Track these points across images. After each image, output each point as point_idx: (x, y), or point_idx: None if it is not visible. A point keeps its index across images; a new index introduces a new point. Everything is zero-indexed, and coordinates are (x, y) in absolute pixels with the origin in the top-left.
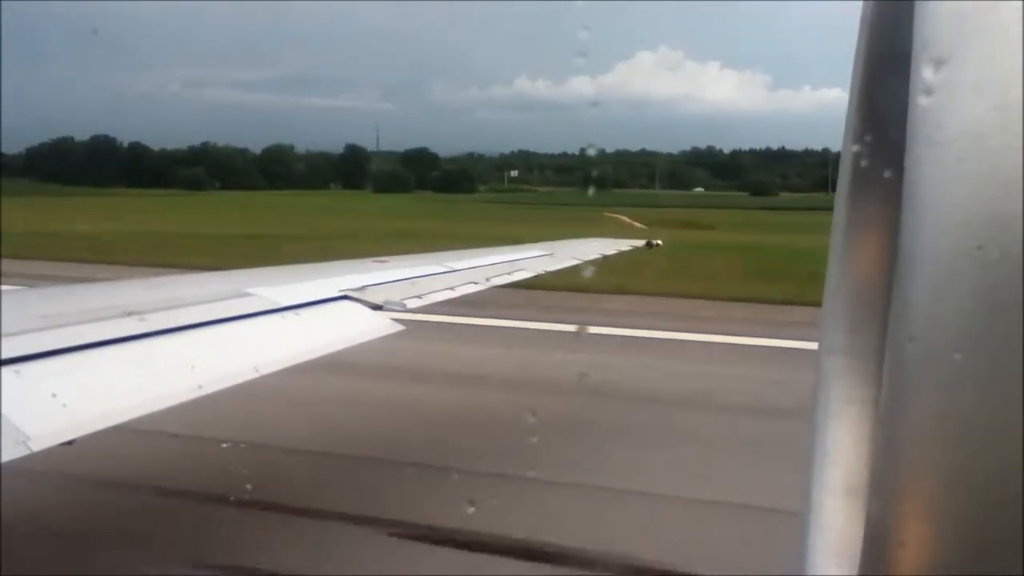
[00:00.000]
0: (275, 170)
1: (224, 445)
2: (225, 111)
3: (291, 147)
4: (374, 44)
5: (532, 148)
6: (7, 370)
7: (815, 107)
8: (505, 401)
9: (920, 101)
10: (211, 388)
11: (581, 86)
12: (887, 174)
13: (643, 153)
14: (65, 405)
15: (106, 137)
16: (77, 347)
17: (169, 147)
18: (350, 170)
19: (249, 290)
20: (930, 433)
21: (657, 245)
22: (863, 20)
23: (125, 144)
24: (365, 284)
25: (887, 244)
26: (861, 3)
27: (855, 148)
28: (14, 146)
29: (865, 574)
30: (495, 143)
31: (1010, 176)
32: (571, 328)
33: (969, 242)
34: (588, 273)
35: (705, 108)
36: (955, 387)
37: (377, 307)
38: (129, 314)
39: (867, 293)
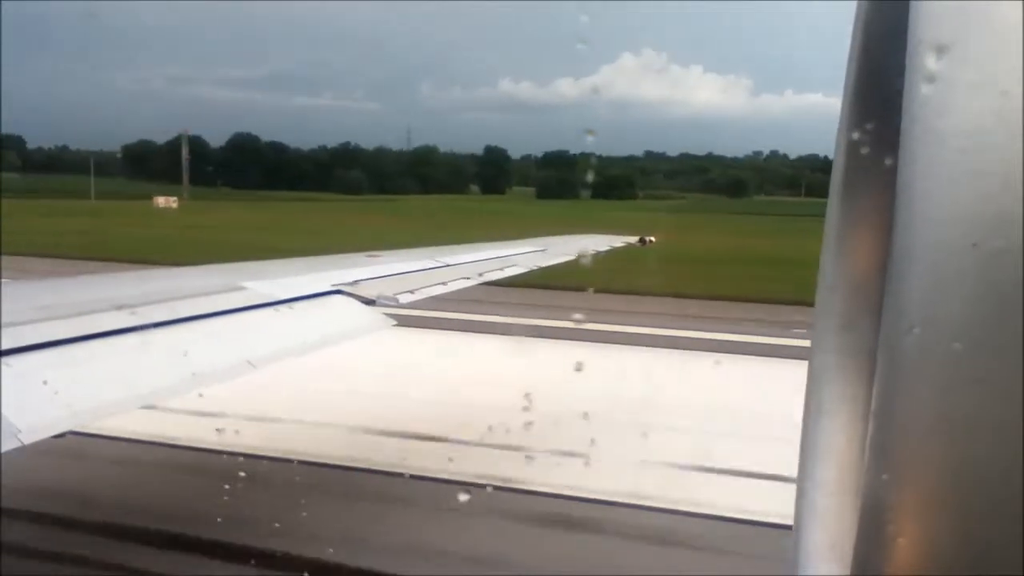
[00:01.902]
0: (423, 172)
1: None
2: (210, 108)
3: (436, 148)
4: (359, 44)
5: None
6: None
7: (796, 111)
8: None
9: (919, 91)
10: (203, 382)
11: (566, 87)
12: (884, 165)
13: (711, 157)
14: (56, 398)
15: (248, 135)
16: (69, 340)
17: (304, 148)
18: (489, 173)
19: (242, 284)
20: (923, 430)
21: (650, 242)
22: (859, 5)
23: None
24: (358, 279)
25: (881, 241)
26: (844, 4)
27: (852, 139)
28: (106, 143)
29: (859, 570)
30: (479, 142)
31: (1007, 174)
32: None
33: (964, 239)
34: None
35: (690, 111)
36: (949, 384)
37: (370, 302)
38: (120, 308)
39: (860, 291)
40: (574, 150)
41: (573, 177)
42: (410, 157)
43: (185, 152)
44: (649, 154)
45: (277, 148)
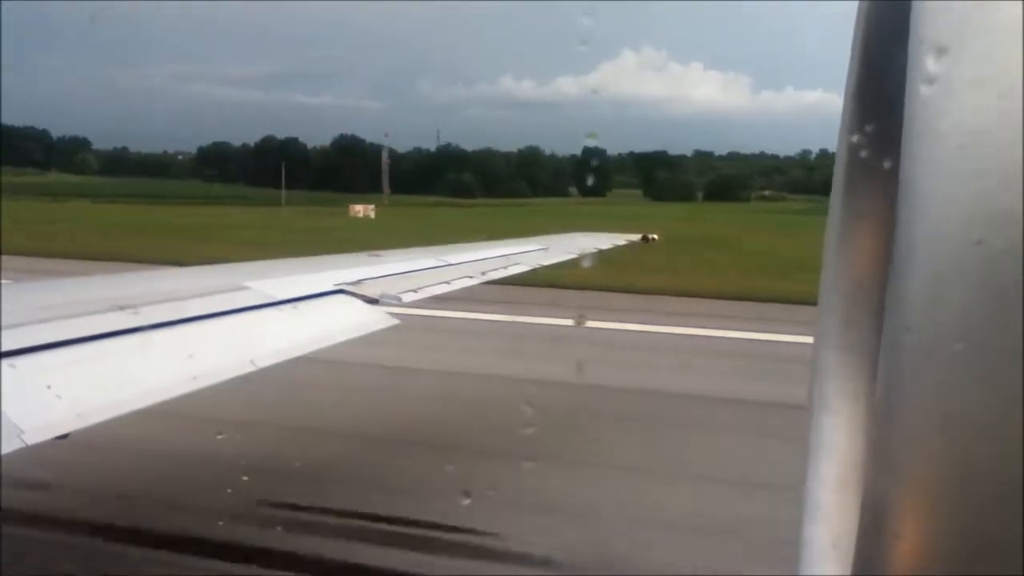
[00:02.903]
0: (530, 173)
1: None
2: (213, 107)
3: (539, 148)
4: (358, 41)
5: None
6: (2, 363)
7: (798, 108)
8: None
9: (920, 90)
10: (206, 381)
11: (567, 85)
12: (886, 164)
13: (763, 156)
14: (59, 398)
15: (353, 137)
16: (72, 340)
17: (401, 150)
18: (586, 174)
19: (245, 284)
20: (926, 428)
21: (653, 240)
22: (860, 5)
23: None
24: (361, 278)
25: (883, 239)
26: (847, 2)
27: (854, 138)
28: (169, 145)
29: (861, 568)
30: (483, 140)
31: (1011, 170)
32: None
33: (968, 237)
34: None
35: (690, 109)
36: (952, 382)
37: (373, 301)
38: (122, 308)
39: (863, 288)
40: (651, 148)
41: (681, 177)
42: (517, 159)
43: (385, 156)
44: (698, 153)
45: (380, 150)
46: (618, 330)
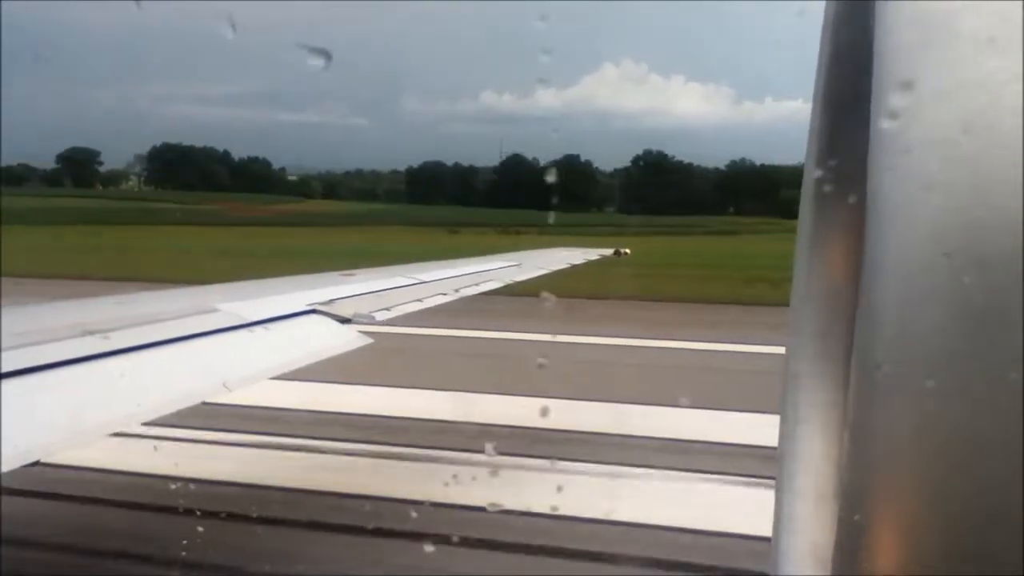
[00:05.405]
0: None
1: None
2: (197, 126)
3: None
4: (337, 60)
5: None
6: None
7: (778, 119)
8: None
9: (889, 102)
10: (178, 405)
11: (549, 99)
12: (855, 175)
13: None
14: (29, 426)
15: (659, 153)
16: (41, 367)
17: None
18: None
19: (216, 306)
20: (898, 440)
21: (625, 254)
22: (823, 43)
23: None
24: (333, 298)
25: (854, 249)
26: (820, 1)
27: (822, 148)
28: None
29: None
30: (471, 155)
31: (977, 183)
32: None
33: (936, 250)
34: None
35: (671, 121)
36: (923, 393)
37: (346, 320)
38: (92, 333)
39: (834, 298)
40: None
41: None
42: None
43: None
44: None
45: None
46: None
